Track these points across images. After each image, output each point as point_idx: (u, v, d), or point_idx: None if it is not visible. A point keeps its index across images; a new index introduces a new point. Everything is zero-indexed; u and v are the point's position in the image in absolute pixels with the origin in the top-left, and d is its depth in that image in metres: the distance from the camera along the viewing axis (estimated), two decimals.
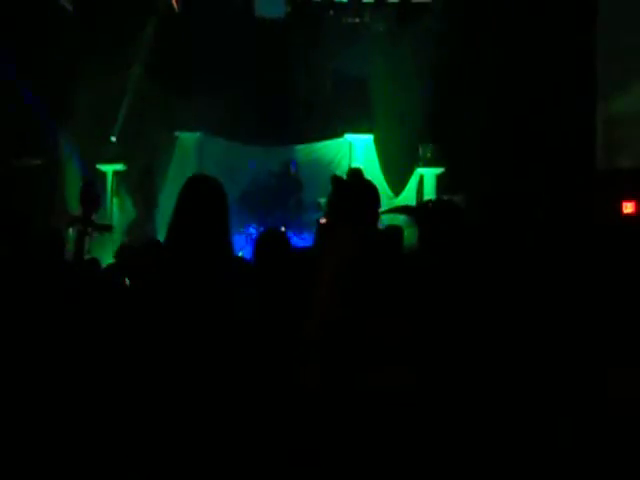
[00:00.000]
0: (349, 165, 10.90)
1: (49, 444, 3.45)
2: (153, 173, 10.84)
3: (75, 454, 3.46)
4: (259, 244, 3.95)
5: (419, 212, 3.50)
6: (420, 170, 11.42)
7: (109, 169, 11.14)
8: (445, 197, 9.81)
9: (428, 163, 11.29)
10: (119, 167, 11.13)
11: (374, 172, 11.31)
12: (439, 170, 11.30)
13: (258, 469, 3.03)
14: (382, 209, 6.22)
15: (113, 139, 10.99)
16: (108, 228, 8.25)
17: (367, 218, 3.70)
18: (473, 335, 3.01)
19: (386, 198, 10.24)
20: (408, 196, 11.04)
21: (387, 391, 3.07)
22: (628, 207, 8.51)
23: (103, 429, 3.48)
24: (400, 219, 8.52)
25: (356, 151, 11.67)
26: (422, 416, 3.00)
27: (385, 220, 7.17)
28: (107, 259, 6.33)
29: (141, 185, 10.83)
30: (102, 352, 3.82)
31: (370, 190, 3.78)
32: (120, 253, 5.61)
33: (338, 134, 11.59)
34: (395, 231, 3.92)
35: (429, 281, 3.20)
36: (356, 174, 7.42)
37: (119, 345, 3.69)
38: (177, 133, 11.36)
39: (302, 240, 9.68)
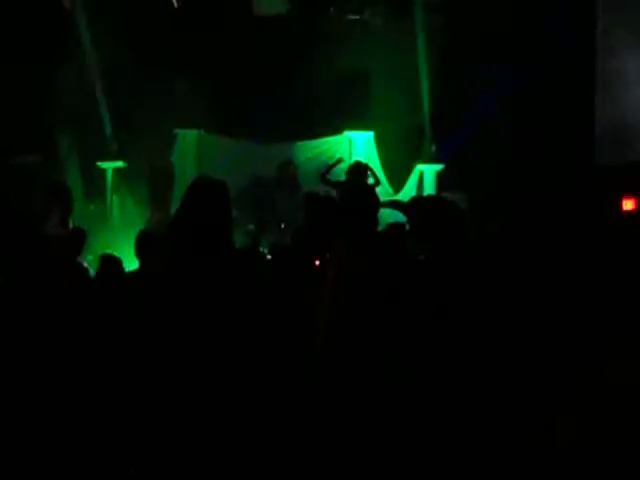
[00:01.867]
0: (348, 162, 10.90)
1: (50, 443, 3.45)
2: (165, 174, 10.76)
3: (77, 452, 3.46)
4: None
5: (410, 209, 3.46)
6: (420, 167, 11.43)
7: (109, 166, 11.15)
8: (446, 194, 9.82)
9: (430, 159, 11.32)
10: (119, 164, 11.14)
11: (374, 169, 11.31)
12: (439, 167, 11.32)
13: (262, 465, 3.03)
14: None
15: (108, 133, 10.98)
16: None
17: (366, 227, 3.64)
18: (468, 333, 3.01)
19: (386, 195, 10.23)
20: (408, 193, 11.03)
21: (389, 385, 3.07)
22: (628, 204, 8.49)
23: (106, 427, 3.48)
24: (401, 218, 8.54)
25: (356, 148, 11.66)
26: (422, 409, 3.00)
27: (385, 215, 7.13)
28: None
29: (155, 187, 10.73)
30: (106, 350, 3.82)
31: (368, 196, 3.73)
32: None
33: (338, 131, 11.58)
34: (398, 229, 3.87)
35: (421, 279, 3.19)
36: (358, 170, 7.28)
37: (123, 343, 3.69)
38: (176, 130, 11.35)
39: None
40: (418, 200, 4.36)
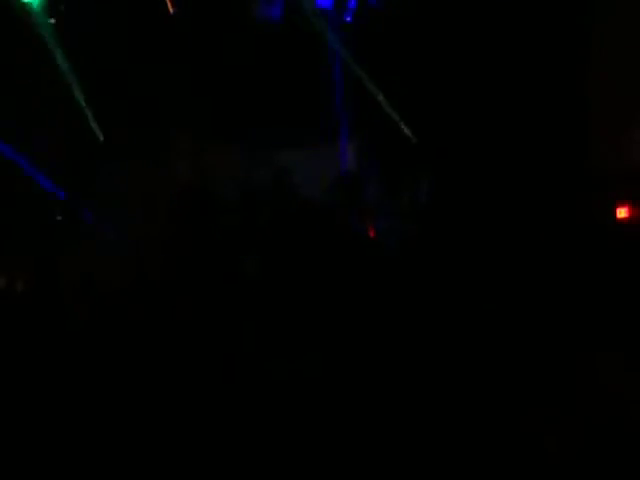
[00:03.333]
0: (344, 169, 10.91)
1: (50, 443, 3.42)
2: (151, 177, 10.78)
3: (75, 454, 3.44)
4: None
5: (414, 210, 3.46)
6: (414, 175, 11.45)
7: None
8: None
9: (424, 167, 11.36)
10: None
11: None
12: (433, 175, 11.33)
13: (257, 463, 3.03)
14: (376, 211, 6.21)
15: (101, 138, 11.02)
16: None
17: None
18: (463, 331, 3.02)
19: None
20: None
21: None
22: (622, 212, 8.51)
23: (103, 429, 3.46)
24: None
25: (350, 155, 11.69)
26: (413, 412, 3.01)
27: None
28: None
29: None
30: (106, 351, 3.82)
31: None
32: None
33: (333, 136, 11.60)
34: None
35: (419, 278, 3.19)
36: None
37: (123, 344, 3.69)
38: (173, 134, 11.35)
39: None
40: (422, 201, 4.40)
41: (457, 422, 3.02)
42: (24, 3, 9.54)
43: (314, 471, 3.06)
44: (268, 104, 10.80)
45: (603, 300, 4.34)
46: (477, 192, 9.92)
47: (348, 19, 10.64)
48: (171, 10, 10.85)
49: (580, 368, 3.37)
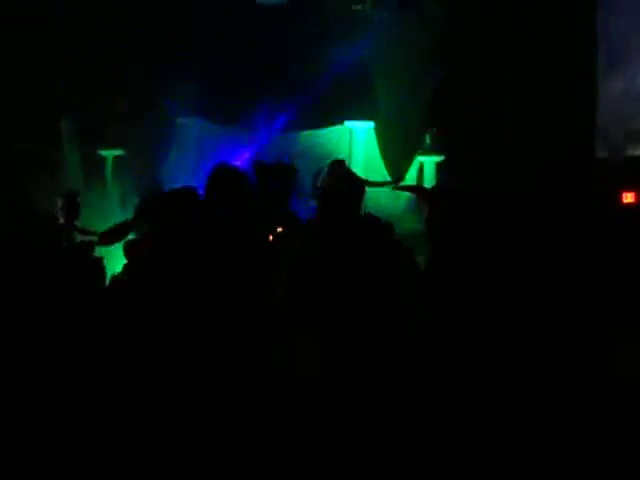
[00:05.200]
0: (349, 152, 10.89)
1: (48, 443, 3.40)
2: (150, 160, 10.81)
3: (74, 453, 3.42)
4: None
5: (431, 196, 3.45)
6: (420, 158, 11.45)
7: (109, 154, 11.16)
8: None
9: (430, 150, 11.33)
10: (119, 152, 11.14)
11: (374, 159, 11.33)
12: (439, 158, 11.32)
13: (256, 460, 3.03)
14: (380, 195, 6.13)
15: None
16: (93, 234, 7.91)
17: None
18: (473, 322, 3.01)
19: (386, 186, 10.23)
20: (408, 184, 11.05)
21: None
22: (628, 197, 8.47)
23: (102, 426, 3.45)
24: (401, 206, 8.48)
25: (356, 138, 11.66)
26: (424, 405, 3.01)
27: (389, 199, 7.05)
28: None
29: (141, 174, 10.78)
30: (100, 342, 3.80)
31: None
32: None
33: (338, 121, 11.57)
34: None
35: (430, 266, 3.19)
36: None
37: (120, 334, 3.67)
38: (176, 119, 11.34)
39: None
40: (441, 191, 4.39)
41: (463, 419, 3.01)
42: None
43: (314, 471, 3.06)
44: (275, 89, 10.78)
45: (610, 285, 4.31)
46: (481, 179, 9.90)
47: None
48: None
49: (596, 361, 3.34)
